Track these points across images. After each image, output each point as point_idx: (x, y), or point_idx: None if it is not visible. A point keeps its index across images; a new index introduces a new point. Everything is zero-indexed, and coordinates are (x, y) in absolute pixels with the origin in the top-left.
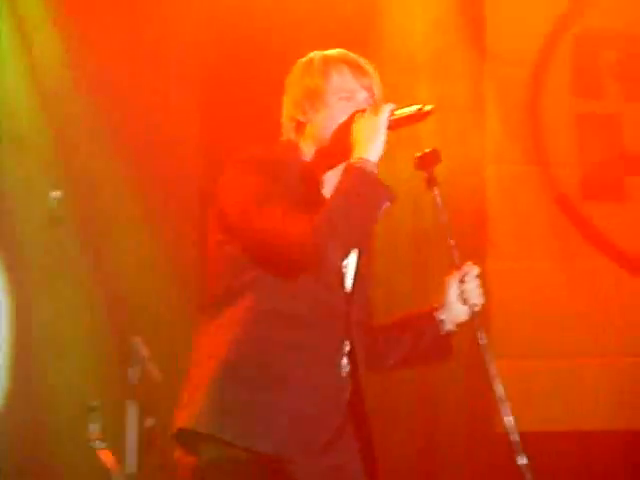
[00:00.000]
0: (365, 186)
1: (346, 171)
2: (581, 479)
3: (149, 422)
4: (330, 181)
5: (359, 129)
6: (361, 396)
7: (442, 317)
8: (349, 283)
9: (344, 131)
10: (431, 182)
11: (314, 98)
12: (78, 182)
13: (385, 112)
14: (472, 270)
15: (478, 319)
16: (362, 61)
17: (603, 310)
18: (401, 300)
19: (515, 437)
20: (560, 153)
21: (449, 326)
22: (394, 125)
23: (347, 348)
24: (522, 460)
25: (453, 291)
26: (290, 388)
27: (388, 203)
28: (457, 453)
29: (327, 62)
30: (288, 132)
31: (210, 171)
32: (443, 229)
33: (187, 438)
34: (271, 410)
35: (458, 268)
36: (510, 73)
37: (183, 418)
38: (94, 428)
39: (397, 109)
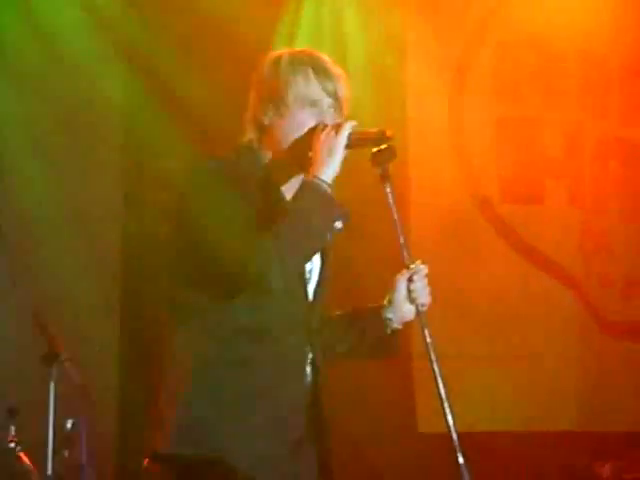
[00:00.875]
0: (320, 208)
1: (300, 189)
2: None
3: (68, 424)
4: (287, 192)
5: (318, 146)
6: (321, 402)
7: (389, 315)
8: (311, 291)
9: (303, 143)
10: (384, 178)
11: (278, 103)
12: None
13: (345, 132)
14: (421, 270)
15: (425, 318)
16: (329, 64)
17: (523, 312)
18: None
19: (455, 436)
20: (481, 156)
21: (395, 324)
22: (354, 145)
23: (309, 356)
24: (460, 459)
25: (401, 290)
26: (260, 403)
27: (340, 224)
28: (382, 452)
29: (294, 65)
30: (250, 131)
31: (134, 171)
32: (393, 226)
33: (160, 457)
34: (242, 424)
35: (407, 267)
36: (432, 77)
37: (157, 440)
38: (12, 430)
39: (358, 128)
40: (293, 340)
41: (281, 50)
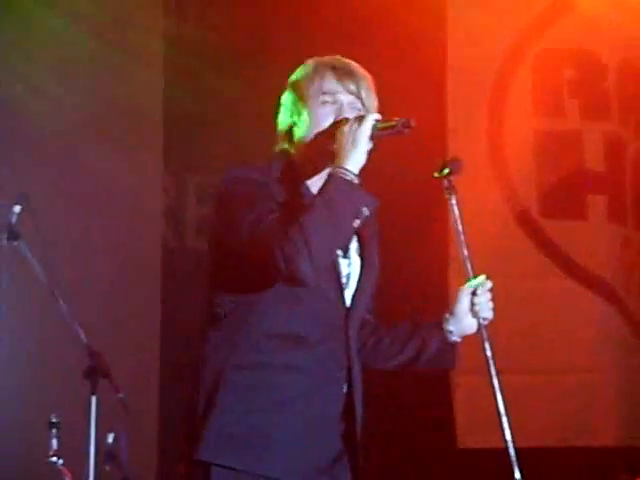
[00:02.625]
0: (344, 194)
1: (326, 180)
2: None
3: (110, 438)
4: (314, 187)
5: (342, 138)
6: (355, 414)
7: (450, 328)
8: (349, 297)
9: (327, 138)
10: (450, 190)
11: (298, 102)
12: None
13: (368, 123)
14: (485, 283)
15: (486, 332)
16: (353, 66)
17: (563, 327)
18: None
19: (512, 452)
20: (521, 171)
21: (455, 337)
22: (378, 135)
23: (346, 364)
24: (517, 475)
25: (464, 302)
26: (294, 410)
27: (367, 211)
28: (420, 469)
29: (314, 66)
30: (280, 139)
31: (173, 189)
32: (457, 239)
33: (198, 465)
34: (278, 434)
35: (469, 280)
36: (472, 90)
37: (191, 446)
38: (54, 444)
39: (381, 120)
40: (329, 347)
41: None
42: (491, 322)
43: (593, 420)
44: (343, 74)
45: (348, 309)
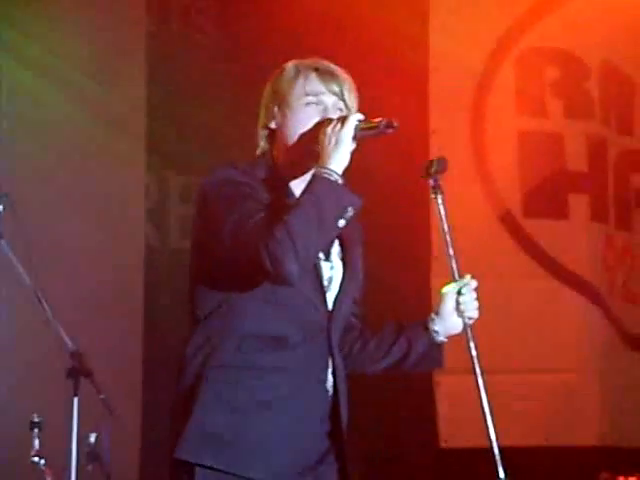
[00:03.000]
0: (329, 194)
1: (310, 180)
2: None
3: (92, 437)
4: (297, 189)
5: (324, 139)
6: (340, 416)
7: (436, 328)
8: (331, 300)
9: (310, 139)
10: (436, 189)
11: (281, 103)
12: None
13: (351, 123)
14: (470, 283)
15: (471, 332)
16: (334, 68)
17: (546, 326)
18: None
19: (496, 451)
20: (503, 171)
21: (441, 337)
22: (361, 136)
23: (330, 365)
24: (501, 474)
25: (450, 302)
26: (277, 411)
27: (352, 211)
28: (401, 468)
29: (297, 68)
30: (261, 141)
31: (156, 188)
32: (443, 238)
33: (181, 465)
34: (260, 435)
35: (456, 279)
36: (454, 90)
37: (172, 446)
38: (36, 444)
39: (364, 120)
40: (311, 348)
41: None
42: (475, 322)
43: (576, 419)
44: (326, 75)
45: (330, 312)
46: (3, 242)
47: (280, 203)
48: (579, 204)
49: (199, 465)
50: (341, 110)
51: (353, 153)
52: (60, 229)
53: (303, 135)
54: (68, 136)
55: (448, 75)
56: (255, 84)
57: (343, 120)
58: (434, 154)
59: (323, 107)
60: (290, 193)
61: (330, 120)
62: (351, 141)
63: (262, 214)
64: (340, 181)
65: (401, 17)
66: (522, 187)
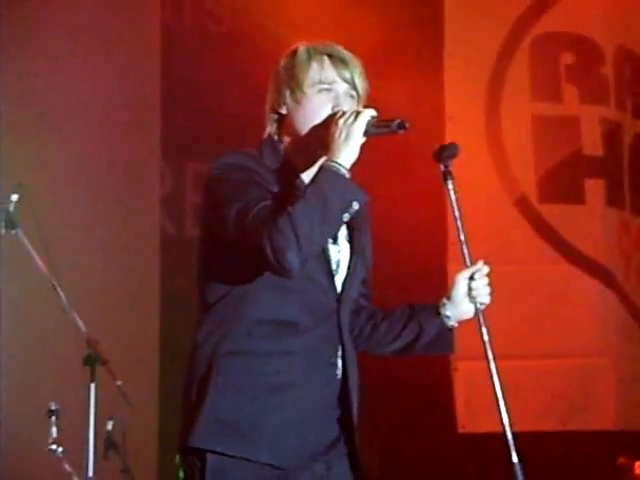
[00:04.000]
0: (335, 187)
1: (317, 172)
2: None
3: (109, 425)
4: (306, 177)
5: (336, 131)
6: (350, 399)
7: (447, 313)
8: (339, 284)
9: (321, 128)
10: (447, 175)
11: (294, 89)
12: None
13: (365, 118)
14: (483, 268)
15: (483, 317)
16: (346, 53)
17: (562, 311)
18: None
19: (509, 436)
20: (518, 156)
21: (452, 322)
22: (372, 133)
23: (340, 348)
24: (514, 458)
25: (462, 287)
26: (287, 396)
27: (357, 205)
28: (420, 453)
29: (310, 53)
30: (269, 124)
31: (171, 177)
32: (454, 223)
33: (192, 452)
34: (271, 420)
35: (467, 265)
36: (469, 77)
37: (184, 434)
38: (53, 432)
39: (377, 117)
40: (321, 332)
41: (300, 43)
42: (491, 307)
43: (592, 404)
44: (338, 62)
45: (339, 295)
46: (19, 231)
47: (287, 190)
48: (595, 189)
49: (210, 451)
50: (352, 97)
51: (364, 145)
52: (76, 218)
53: (315, 126)
54: (83, 126)
55: (463, 61)
56: (270, 73)
57: (356, 114)
58: (450, 140)
59: (335, 94)
60: (298, 181)
61: (343, 112)
62: (361, 136)
63: (266, 202)
64: (347, 175)
65: (415, 2)
66: (538, 172)
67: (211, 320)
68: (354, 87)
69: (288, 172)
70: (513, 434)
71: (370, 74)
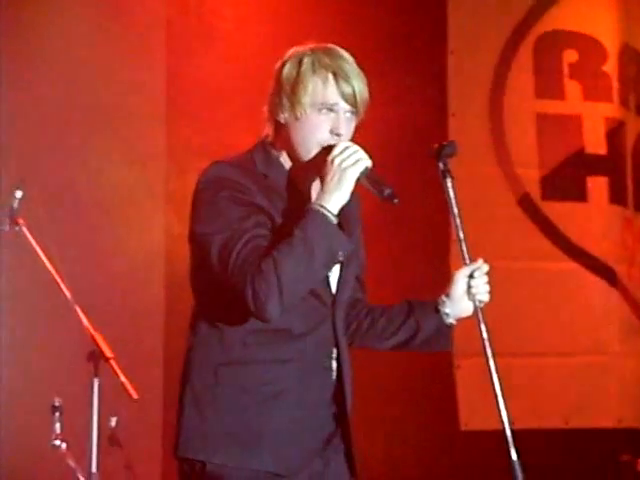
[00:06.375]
0: (322, 237)
1: (306, 218)
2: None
3: (112, 421)
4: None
5: (330, 172)
6: (345, 399)
7: (446, 310)
8: (334, 283)
9: (321, 158)
10: (445, 173)
11: (294, 103)
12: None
13: (360, 167)
14: (482, 267)
15: (482, 315)
16: (350, 68)
17: (564, 309)
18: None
19: (509, 433)
20: (522, 153)
21: (451, 319)
22: (362, 183)
23: (335, 350)
24: (514, 456)
25: (461, 285)
26: (286, 403)
27: (342, 256)
28: (423, 451)
29: (315, 66)
30: (268, 126)
31: (177, 175)
32: (453, 221)
33: (194, 462)
34: (269, 429)
35: (467, 263)
36: (473, 74)
37: (182, 444)
38: (57, 427)
39: (372, 170)
40: (318, 336)
41: (305, 46)
42: (493, 305)
43: (595, 402)
44: (342, 80)
45: (334, 296)
46: (24, 227)
47: (282, 205)
48: (598, 187)
49: (204, 462)
50: (352, 113)
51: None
52: (81, 216)
53: (312, 147)
54: (89, 127)
55: (467, 58)
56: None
57: (355, 160)
58: (453, 137)
59: (335, 115)
60: (299, 198)
61: (343, 150)
62: (353, 182)
63: (252, 232)
64: (335, 221)
65: (420, 1)
66: (541, 170)
67: (205, 328)
68: (355, 104)
69: (290, 187)
70: (515, 432)
71: (373, 72)
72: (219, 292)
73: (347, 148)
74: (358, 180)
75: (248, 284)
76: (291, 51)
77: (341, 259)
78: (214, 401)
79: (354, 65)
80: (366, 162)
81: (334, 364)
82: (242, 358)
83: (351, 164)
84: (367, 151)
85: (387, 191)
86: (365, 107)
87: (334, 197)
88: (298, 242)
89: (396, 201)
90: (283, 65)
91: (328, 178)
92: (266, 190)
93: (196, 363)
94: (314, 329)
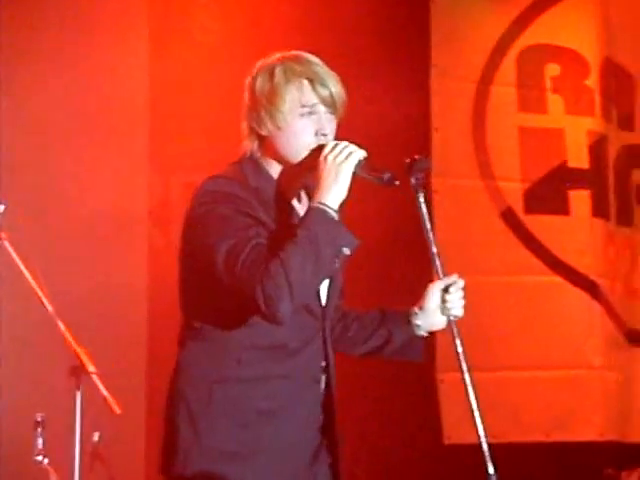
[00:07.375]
0: (326, 233)
1: (307, 216)
2: None
3: (95, 436)
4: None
5: (325, 169)
6: (333, 409)
7: (418, 322)
8: (324, 297)
9: (311, 161)
10: (418, 188)
11: (274, 114)
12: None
13: (355, 159)
14: (458, 281)
15: (456, 329)
16: (323, 72)
17: (547, 323)
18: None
19: (485, 447)
20: (504, 167)
21: (422, 332)
22: (359, 175)
23: (324, 363)
24: (490, 470)
25: (434, 299)
26: (279, 420)
27: (348, 251)
28: (407, 465)
29: (285, 74)
30: (249, 141)
31: (159, 188)
32: (425, 235)
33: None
34: (262, 445)
35: (441, 277)
36: (456, 88)
37: (168, 462)
38: (39, 443)
39: (367, 160)
40: (310, 350)
41: (274, 57)
42: (476, 319)
43: (578, 415)
44: (318, 84)
45: (324, 308)
46: (5, 242)
47: (278, 217)
48: (580, 200)
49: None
50: (332, 114)
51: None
52: (63, 229)
53: (306, 157)
54: (70, 136)
55: (450, 72)
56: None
57: (347, 153)
58: (436, 151)
59: (317, 117)
60: (289, 207)
61: (334, 146)
62: (350, 176)
63: (256, 240)
64: (336, 218)
65: (402, 13)
66: (523, 183)
67: (197, 344)
68: (334, 105)
69: (277, 197)
70: (497, 445)
71: (355, 85)
72: (217, 306)
73: (337, 144)
74: (355, 173)
75: (257, 286)
76: (259, 64)
77: (347, 253)
78: (210, 418)
79: (325, 67)
80: (359, 154)
81: (323, 377)
82: (237, 375)
83: (345, 158)
84: (358, 144)
85: (386, 176)
86: (344, 106)
87: (333, 193)
88: (303, 240)
89: (397, 183)
90: (254, 79)
91: (324, 176)
92: (260, 203)
93: (189, 380)
94: (308, 343)
